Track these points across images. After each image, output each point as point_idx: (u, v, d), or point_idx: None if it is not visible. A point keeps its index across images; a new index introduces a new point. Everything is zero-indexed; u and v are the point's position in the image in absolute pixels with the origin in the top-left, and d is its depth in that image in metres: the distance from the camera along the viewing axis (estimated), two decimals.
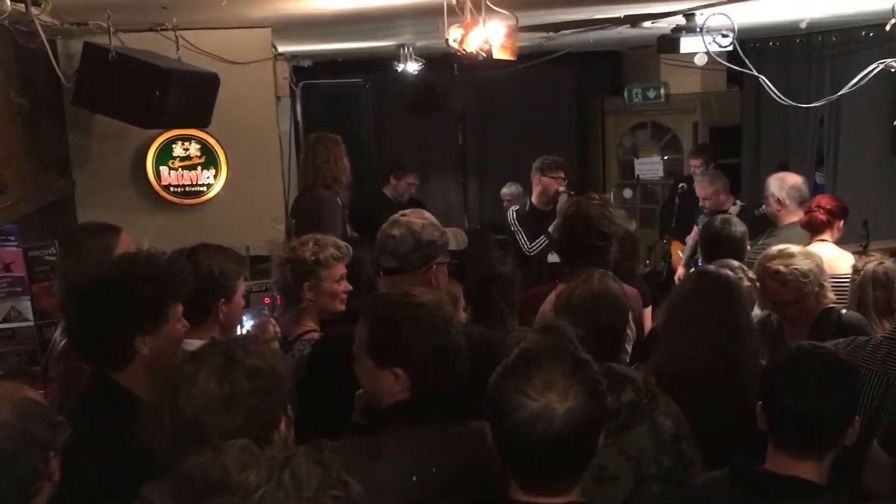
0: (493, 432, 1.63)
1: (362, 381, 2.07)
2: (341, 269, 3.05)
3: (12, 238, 3.70)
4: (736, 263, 3.40)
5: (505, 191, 7.38)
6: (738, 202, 6.04)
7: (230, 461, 0.99)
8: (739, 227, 4.02)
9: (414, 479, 1.87)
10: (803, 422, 1.88)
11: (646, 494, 2.16)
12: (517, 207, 5.84)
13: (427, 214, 2.80)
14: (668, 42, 4.73)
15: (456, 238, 2.91)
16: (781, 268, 3.17)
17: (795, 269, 3.16)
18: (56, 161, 4.65)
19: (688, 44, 4.63)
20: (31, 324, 3.70)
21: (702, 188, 6.11)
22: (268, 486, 0.96)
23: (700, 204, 6.07)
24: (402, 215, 2.70)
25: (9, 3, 2.81)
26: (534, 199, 5.71)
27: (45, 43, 3.56)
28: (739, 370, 2.62)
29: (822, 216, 4.31)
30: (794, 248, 3.30)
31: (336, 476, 1.04)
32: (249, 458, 1.01)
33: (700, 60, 4.92)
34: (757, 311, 3.56)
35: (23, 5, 2.89)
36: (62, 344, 3.01)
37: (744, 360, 2.65)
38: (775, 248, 3.31)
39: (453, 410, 2.00)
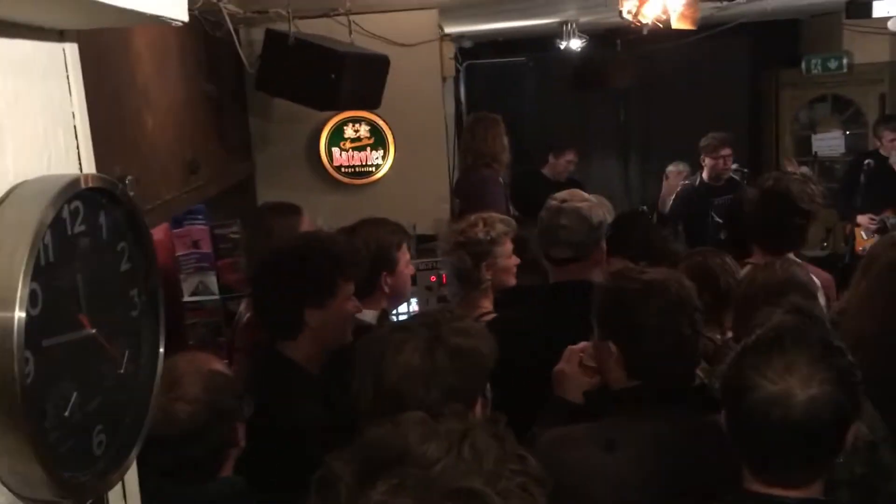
0: (725, 415, 1.56)
1: (594, 353, 2.05)
2: (510, 244, 3.05)
3: (200, 217, 3.94)
4: None
5: (671, 168, 7.12)
6: None
7: (410, 432, 1.00)
8: None
9: (645, 474, 1.83)
10: None
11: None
12: (685, 183, 5.71)
13: (583, 194, 2.74)
14: (859, 7, 4.41)
15: (603, 204, 2.84)
16: None
17: None
18: (239, 144, 4.91)
19: (881, 7, 4.30)
20: (217, 297, 3.94)
21: None
22: (448, 458, 0.96)
23: None
24: (563, 201, 2.64)
25: None
26: (704, 176, 5.58)
27: (231, 31, 3.76)
28: None
29: None
30: None
31: (512, 450, 1.03)
32: (428, 430, 1.01)
33: (894, 25, 4.54)
34: None
35: None
36: (247, 317, 3.20)
37: None
38: None
39: (687, 401, 1.93)
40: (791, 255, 3.25)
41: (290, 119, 4.91)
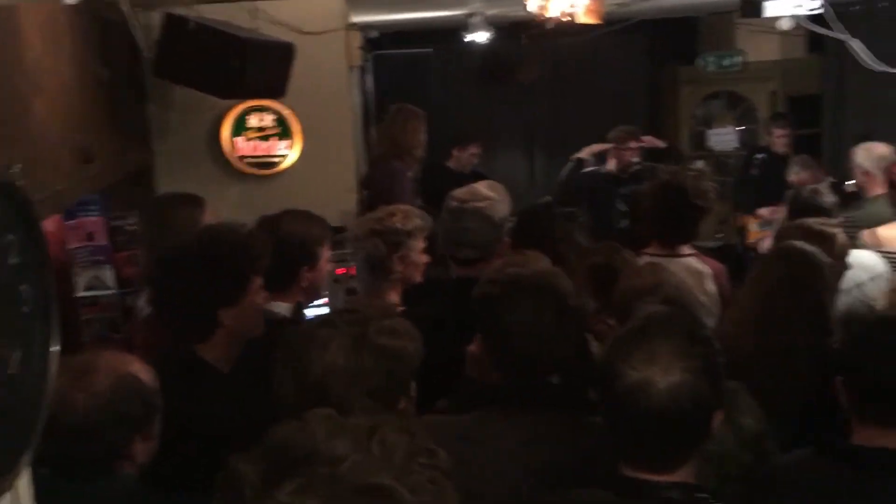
0: (601, 403, 1.62)
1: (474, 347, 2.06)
2: (423, 241, 3.03)
3: (94, 208, 3.78)
4: (818, 221, 3.26)
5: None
6: (829, 178, 5.84)
7: (318, 430, 0.98)
8: (828, 198, 3.89)
9: (500, 467, 1.84)
10: (891, 392, 1.83)
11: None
12: (592, 169, 5.86)
13: (482, 191, 2.75)
14: (752, 6, 4.56)
15: (500, 196, 2.85)
16: None
17: None
18: (136, 132, 4.73)
19: (772, 7, 4.46)
20: (114, 292, 3.78)
21: (797, 176, 5.91)
22: (356, 455, 0.94)
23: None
24: (464, 201, 2.65)
25: None
26: (611, 167, 5.79)
27: (127, 14, 3.61)
28: (807, 355, 2.53)
29: None
30: None
31: (422, 444, 1.02)
32: (336, 427, 0.99)
33: (786, 24, 4.72)
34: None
35: None
36: (146, 312, 3.08)
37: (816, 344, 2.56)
38: None
39: (568, 400, 1.95)
40: (686, 247, 3.38)
41: (192, 107, 4.75)
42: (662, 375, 1.49)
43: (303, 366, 1.62)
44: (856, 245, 4.09)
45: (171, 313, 2.31)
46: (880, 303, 3.26)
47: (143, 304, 3.22)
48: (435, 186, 5.36)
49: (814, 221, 3.22)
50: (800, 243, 2.81)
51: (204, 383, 2.20)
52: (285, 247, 2.67)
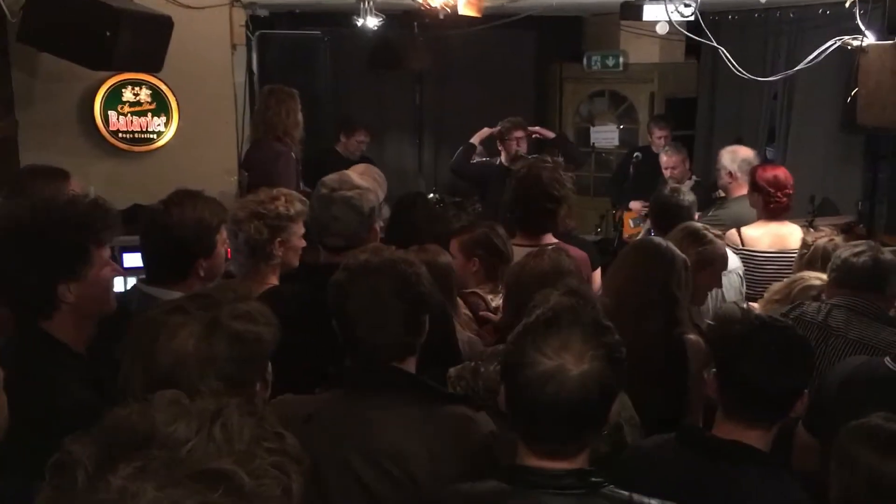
0: (505, 390, 1.63)
1: None
2: (303, 226, 3.00)
3: None
4: (699, 225, 3.45)
5: None
6: (694, 177, 6.15)
7: (158, 413, 0.96)
8: (688, 197, 4.08)
9: (338, 452, 1.86)
10: (758, 393, 1.93)
11: None
12: (486, 160, 5.97)
13: (353, 179, 2.75)
14: (631, 9, 4.72)
15: (378, 183, 2.87)
16: None
17: None
18: None
19: (651, 11, 4.62)
20: None
21: (668, 157, 6.17)
22: (197, 439, 0.93)
23: (667, 174, 6.13)
24: (333, 190, 2.64)
25: None
26: (503, 159, 5.92)
27: None
28: (662, 345, 2.67)
29: (786, 201, 4.36)
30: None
31: (270, 428, 1.02)
32: (179, 410, 0.97)
33: (661, 29, 4.92)
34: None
35: None
36: None
37: (669, 335, 2.70)
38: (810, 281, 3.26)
39: (403, 387, 1.96)
40: (548, 237, 3.50)
41: (61, 77, 4.54)
42: (575, 363, 1.53)
43: (150, 355, 1.57)
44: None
45: (7, 291, 2.17)
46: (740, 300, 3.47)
47: None
48: (323, 170, 5.30)
49: (700, 224, 3.41)
50: (655, 239, 2.96)
51: (57, 360, 2.10)
52: (175, 240, 2.59)
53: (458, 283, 3.14)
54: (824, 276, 3.14)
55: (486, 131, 6.14)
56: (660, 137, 6.89)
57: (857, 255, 2.90)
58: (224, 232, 2.78)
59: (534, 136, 6.40)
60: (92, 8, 3.71)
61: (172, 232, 2.58)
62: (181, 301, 1.71)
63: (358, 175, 2.85)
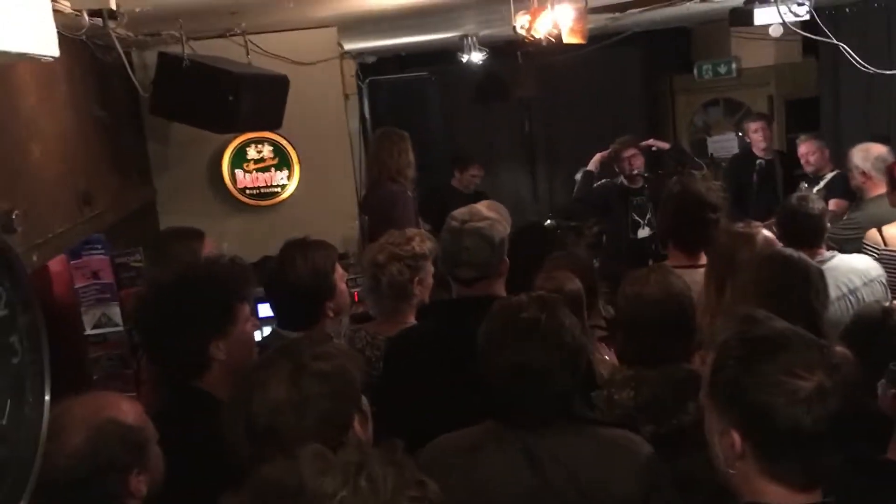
0: (747, 427, 1.47)
1: None
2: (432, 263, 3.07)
3: (99, 246, 3.80)
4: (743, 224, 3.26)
5: (578, 176, 7.29)
6: (836, 169, 5.78)
7: (305, 468, 0.99)
8: (817, 205, 3.85)
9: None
10: None
11: None
12: (606, 181, 5.91)
13: (483, 211, 2.77)
14: (741, 14, 4.60)
15: (504, 217, 2.88)
16: None
17: None
18: (137, 169, 4.78)
19: (762, 15, 4.49)
20: (121, 329, 3.80)
21: (804, 144, 5.88)
22: (345, 492, 0.96)
23: (804, 163, 5.85)
24: (464, 222, 2.67)
25: (87, 18, 2.89)
26: (623, 180, 5.92)
27: (122, 55, 3.66)
28: None
29: None
30: None
31: (412, 476, 1.03)
32: (324, 464, 1.00)
33: (775, 31, 4.75)
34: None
35: (100, 20, 2.97)
36: (143, 353, 3.10)
37: None
38: None
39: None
40: (704, 255, 3.40)
41: (190, 142, 4.81)
42: (829, 379, 1.45)
43: (248, 411, 1.63)
44: (861, 245, 4.10)
45: (162, 354, 2.29)
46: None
47: None
48: (439, 207, 5.39)
49: (741, 224, 3.24)
50: (786, 250, 2.81)
51: (212, 415, 2.20)
52: (300, 291, 2.72)
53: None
54: None
55: (598, 157, 6.08)
56: (756, 131, 6.50)
57: None
58: (340, 269, 2.89)
59: (652, 148, 6.27)
60: (215, 76, 3.94)
61: (294, 288, 2.71)
62: (266, 357, 1.79)
63: (485, 208, 2.88)
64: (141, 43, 4.33)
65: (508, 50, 7.07)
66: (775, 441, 1.45)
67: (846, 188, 5.20)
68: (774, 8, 4.31)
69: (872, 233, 4.09)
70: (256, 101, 4.08)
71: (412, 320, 2.98)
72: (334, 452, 1.10)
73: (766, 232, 3.23)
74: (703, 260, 3.35)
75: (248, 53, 4.40)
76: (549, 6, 3.20)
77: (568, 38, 3.24)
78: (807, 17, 4.30)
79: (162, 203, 5.00)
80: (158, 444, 1.88)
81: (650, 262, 4.51)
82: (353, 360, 1.76)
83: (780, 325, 1.56)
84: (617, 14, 5.94)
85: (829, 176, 5.62)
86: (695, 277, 3.15)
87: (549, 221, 7.03)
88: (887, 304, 3.26)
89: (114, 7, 2.90)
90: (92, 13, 2.92)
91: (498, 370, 1.95)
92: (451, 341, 2.44)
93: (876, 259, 3.91)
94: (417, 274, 2.97)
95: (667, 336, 2.37)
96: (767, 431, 1.45)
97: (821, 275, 2.69)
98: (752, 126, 6.57)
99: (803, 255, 2.77)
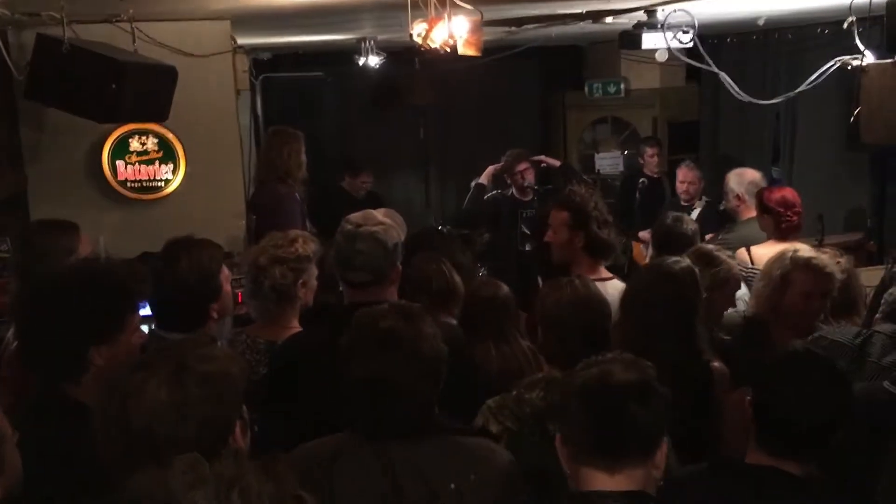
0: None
1: None
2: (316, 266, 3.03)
3: None
4: (710, 247, 3.47)
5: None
6: (704, 198, 6.12)
7: (176, 481, 0.96)
8: (691, 226, 4.06)
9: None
10: (793, 429, 1.89)
11: None
12: (495, 193, 5.98)
13: (377, 216, 2.77)
14: (630, 38, 4.76)
15: (399, 225, 2.89)
16: (815, 255, 3.21)
17: (829, 265, 3.19)
18: (8, 156, 4.52)
19: (649, 40, 4.66)
20: None
21: (688, 170, 6.14)
22: None
23: (681, 188, 6.11)
24: (358, 225, 2.66)
25: None
26: (514, 192, 5.97)
27: None
28: (672, 367, 2.65)
29: (797, 219, 4.36)
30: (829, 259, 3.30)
31: (290, 490, 1.02)
32: (196, 477, 0.97)
33: (661, 56, 4.95)
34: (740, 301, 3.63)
35: None
36: (15, 344, 2.93)
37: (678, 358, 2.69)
38: (799, 251, 3.28)
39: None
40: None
41: (68, 130, 4.59)
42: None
43: (124, 416, 1.55)
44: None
45: (38, 349, 2.16)
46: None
47: (11, 335, 3.07)
48: (330, 210, 5.33)
49: (711, 247, 3.43)
50: (668, 260, 2.94)
51: (78, 423, 2.09)
52: (185, 290, 2.63)
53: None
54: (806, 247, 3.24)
55: (491, 169, 6.16)
56: (651, 156, 6.90)
57: None
58: (226, 270, 2.81)
59: (542, 165, 6.42)
60: (96, 62, 3.76)
61: (178, 288, 2.61)
62: (143, 358, 1.72)
63: (381, 214, 2.87)
64: (18, 23, 4.10)
65: (406, 56, 7.09)
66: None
67: (715, 218, 5.49)
68: (661, 34, 4.49)
69: (741, 252, 4.31)
70: (141, 90, 3.93)
71: (296, 324, 2.93)
72: (211, 460, 1.06)
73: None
74: (605, 273, 3.57)
75: (134, 41, 4.22)
76: (445, 17, 3.22)
77: (463, 50, 3.27)
78: (690, 45, 4.50)
79: (34, 192, 4.75)
80: (18, 447, 1.78)
81: (537, 276, 4.65)
82: (237, 363, 1.71)
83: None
84: (514, 28, 6.06)
85: (700, 207, 5.91)
86: (608, 290, 3.26)
87: (440, 228, 7.08)
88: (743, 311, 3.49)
89: None
90: None
91: (353, 380, 1.92)
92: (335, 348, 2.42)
93: (744, 277, 4.14)
94: (301, 276, 2.92)
95: (580, 339, 2.42)
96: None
97: (692, 276, 2.84)
98: (650, 151, 6.90)
99: (688, 264, 2.90)
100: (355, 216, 2.75)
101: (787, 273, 3.18)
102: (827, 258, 3.24)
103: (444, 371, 1.97)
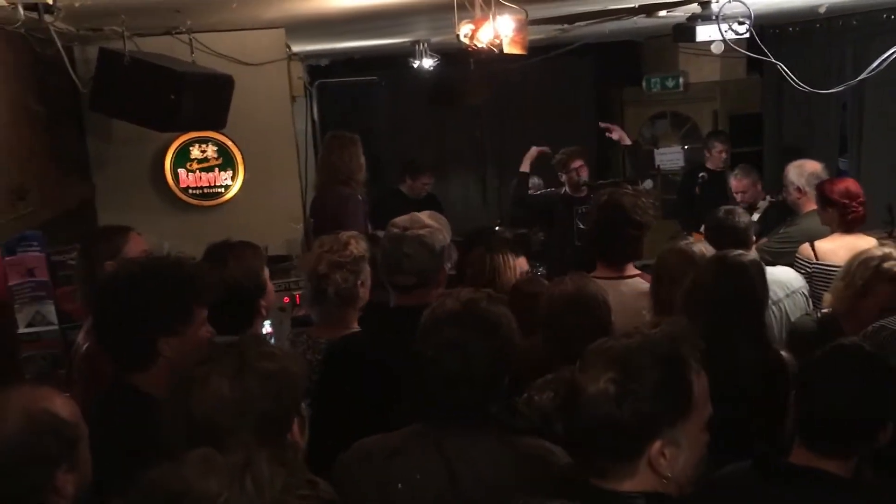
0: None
1: None
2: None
3: (35, 243, 3.75)
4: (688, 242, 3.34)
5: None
6: (768, 198, 5.95)
7: (189, 471, 1.00)
8: (743, 218, 3.94)
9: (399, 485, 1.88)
10: (830, 424, 1.86)
11: None
12: (551, 190, 5.95)
13: (424, 219, 2.79)
14: (684, 31, 4.67)
15: (444, 227, 2.90)
16: None
17: None
18: (76, 166, 4.70)
19: (704, 32, 4.56)
20: (56, 327, 3.74)
21: (738, 181, 6.01)
22: (229, 492, 0.97)
23: (738, 198, 5.98)
24: (405, 229, 2.68)
25: (22, 11, 2.84)
26: (568, 189, 5.89)
27: (61, 49, 3.60)
28: (740, 358, 2.60)
29: (862, 210, 4.22)
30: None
31: (302, 476, 1.05)
32: (209, 466, 1.01)
33: (717, 49, 4.85)
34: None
35: (35, 13, 2.92)
36: (85, 347, 3.05)
37: (747, 348, 2.63)
38: (878, 251, 3.16)
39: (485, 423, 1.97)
40: (630, 267, 3.46)
41: (132, 139, 4.75)
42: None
43: (188, 407, 1.62)
44: (794, 259, 4.21)
45: (110, 339, 2.27)
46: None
47: (81, 338, 3.19)
48: (389, 211, 5.38)
49: (684, 243, 3.31)
50: (735, 253, 2.87)
51: (144, 414, 2.18)
52: (238, 284, 2.70)
53: None
54: (886, 248, 3.08)
55: (533, 151, 6.09)
56: (720, 152, 6.74)
57: None
58: (266, 269, 2.88)
59: (613, 136, 6.30)
60: (156, 74, 3.89)
61: (229, 287, 2.66)
62: (208, 353, 1.77)
63: (426, 217, 2.89)
64: (82, 38, 4.26)
65: (461, 56, 7.12)
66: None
67: (779, 218, 5.35)
68: (716, 25, 4.40)
69: (805, 247, 4.20)
70: (200, 100, 4.04)
71: (355, 325, 2.96)
72: (273, 454, 1.10)
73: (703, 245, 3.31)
74: (630, 271, 3.41)
75: (192, 52, 4.35)
76: (490, 17, 3.23)
77: (509, 49, 3.28)
78: (747, 36, 4.41)
79: (101, 201, 4.92)
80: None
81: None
82: (297, 362, 1.76)
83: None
84: (566, 25, 6.02)
85: (763, 206, 5.76)
86: (620, 289, 3.21)
87: (497, 228, 7.07)
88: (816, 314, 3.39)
89: (49, 1, 2.85)
90: (27, 6, 2.87)
91: (426, 356, 1.92)
92: (388, 351, 2.44)
93: (808, 273, 4.03)
94: (360, 277, 2.95)
95: (582, 336, 2.40)
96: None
97: (759, 268, 2.77)
98: (719, 146, 6.76)
99: (749, 257, 2.84)
100: (401, 219, 2.77)
101: (869, 282, 3.06)
102: None
103: (514, 358, 1.98)
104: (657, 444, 1.56)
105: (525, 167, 6.06)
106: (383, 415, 2.21)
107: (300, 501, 0.99)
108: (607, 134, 6.30)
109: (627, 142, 6.40)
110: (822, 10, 5.92)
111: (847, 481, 1.85)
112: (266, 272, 2.87)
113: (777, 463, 1.91)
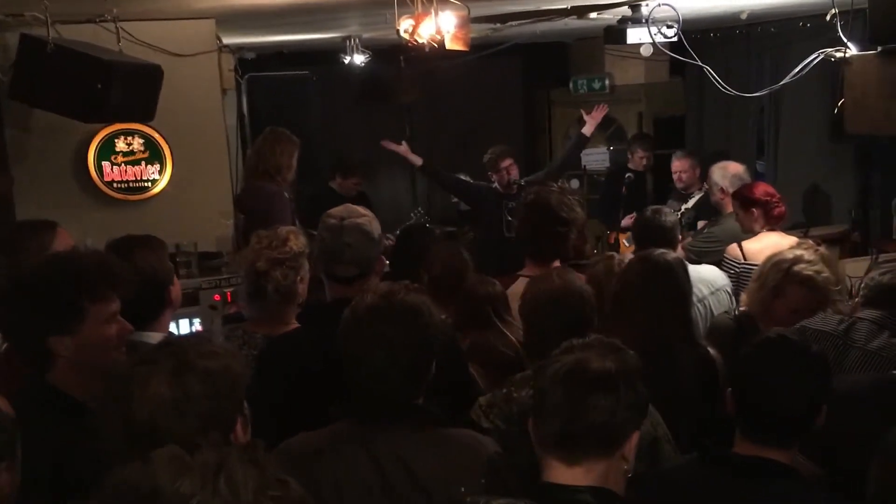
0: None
1: None
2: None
3: None
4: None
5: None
6: (705, 186, 6.08)
7: (161, 470, 0.96)
8: (670, 218, 4.06)
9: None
10: (771, 416, 1.90)
11: None
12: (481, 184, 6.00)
13: (358, 209, 2.77)
14: (615, 33, 4.78)
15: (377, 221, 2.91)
16: (813, 274, 3.08)
17: (826, 276, 3.09)
18: None
19: (634, 34, 4.68)
20: None
21: (679, 161, 6.13)
22: (202, 494, 0.94)
23: (675, 178, 6.12)
24: (342, 218, 2.65)
25: None
26: (498, 187, 5.97)
27: None
28: (675, 356, 2.67)
29: (783, 206, 4.38)
30: (809, 253, 3.20)
31: (273, 476, 1.02)
32: (181, 466, 0.98)
33: (646, 51, 4.98)
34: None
35: None
36: (6, 345, 2.92)
37: (680, 346, 2.70)
38: (790, 254, 3.19)
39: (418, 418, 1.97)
40: (558, 264, 3.51)
41: (54, 131, 4.56)
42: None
43: (127, 408, 1.57)
44: (721, 259, 4.34)
45: (10, 340, 2.28)
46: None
47: (1, 338, 3.06)
48: (320, 209, 5.31)
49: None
50: (657, 252, 2.95)
51: (57, 413, 2.10)
52: (144, 274, 2.58)
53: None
54: (797, 250, 3.17)
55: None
56: (641, 157, 6.95)
57: (883, 274, 2.89)
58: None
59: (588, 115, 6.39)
60: (82, 62, 3.75)
61: (137, 269, 2.59)
62: (146, 353, 1.72)
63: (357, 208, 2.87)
64: (1, 23, 4.08)
65: (391, 54, 7.10)
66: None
67: (712, 210, 5.50)
68: (646, 28, 4.51)
69: (733, 248, 4.32)
70: (127, 90, 3.91)
71: (294, 321, 2.91)
72: (246, 453, 1.06)
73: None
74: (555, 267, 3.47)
75: (119, 41, 4.20)
76: (432, 12, 3.23)
77: (451, 45, 3.28)
78: (675, 39, 4.53)
79: (20, 194, 4.71)
80: None
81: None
82: (240, 361, 1.72)
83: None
84: (498, 25, 6.07)
85: (698, 195, 5.90)
86: None
87: (427, 225, 7.09)
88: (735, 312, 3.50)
89: None
90: None
91: (349, 352, 1.93)
92: (327, 347, 2.42)
93: (735, 273, 4.16)
94: (299, 273, 2.91)
95: (558, 331, 2.42)
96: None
97: (683, 266, 2.85)
98: (640, 153, 6.94)
99: (676, 256, 2.91)
100: (336, 210, 2.73)
101: (780, 284, 3.12)
102: (829, 273, 3.14)
103: (437, 349, 1.99)
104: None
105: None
106: (320, 413, 2.19)
107: (273, 502, 0.96)
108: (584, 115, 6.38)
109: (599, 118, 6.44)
110: (743, 16, 6.14)
111: (792, 469, 1.90)
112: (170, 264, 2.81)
113: (724, 454, 1.95)
